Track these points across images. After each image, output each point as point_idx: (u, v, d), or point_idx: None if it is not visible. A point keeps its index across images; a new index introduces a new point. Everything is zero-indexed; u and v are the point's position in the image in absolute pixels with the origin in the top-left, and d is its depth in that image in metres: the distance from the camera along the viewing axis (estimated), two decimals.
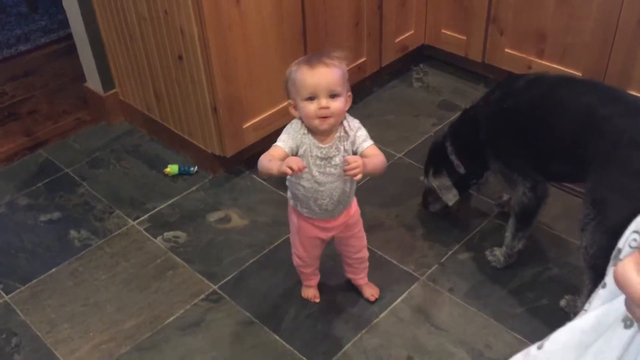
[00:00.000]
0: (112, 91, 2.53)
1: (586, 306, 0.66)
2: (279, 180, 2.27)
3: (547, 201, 1.77)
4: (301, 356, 1.67)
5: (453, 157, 1.90)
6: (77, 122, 2.62)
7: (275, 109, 2.27)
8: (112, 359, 1.69)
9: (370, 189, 2.16)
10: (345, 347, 1.69)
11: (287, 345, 1.70)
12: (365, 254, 1.77)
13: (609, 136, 1.53)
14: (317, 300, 1.82)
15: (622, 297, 0.58)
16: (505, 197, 2.06)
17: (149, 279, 1.92)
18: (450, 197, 1.94)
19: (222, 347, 1.71)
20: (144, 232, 2.09)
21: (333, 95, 1.41)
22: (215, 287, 1.88)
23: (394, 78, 2.77)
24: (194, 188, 2.26)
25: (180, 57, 2.09)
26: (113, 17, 2.28)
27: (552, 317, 1.74)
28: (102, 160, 2.41)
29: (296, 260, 1.75)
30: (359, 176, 1.39)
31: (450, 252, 1.95)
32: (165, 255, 2.00)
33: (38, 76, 2.93)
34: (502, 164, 1.78)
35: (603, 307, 0.61)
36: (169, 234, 2.07)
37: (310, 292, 1.83)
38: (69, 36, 3.20)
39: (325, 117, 1.41)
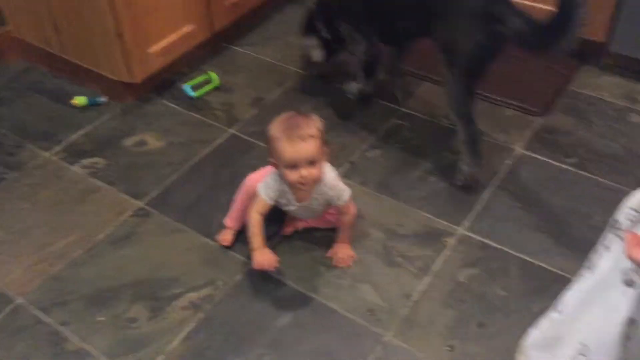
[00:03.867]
0: (5, 29, 2.44)
1: (587, 264, 0.71)
2: (191, 103, 2.33)
3: (383, 57, 2.19)
4: (234, 253, 1.80)
5: (319, 23, 2.19)
6: None
7: (179, 34, 2.31)
8: (48, 277, 1.73)
9: (281, 105, 2.29)
10: (274, 241, 1.82)
11: (219, 246, 1.81)
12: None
13: None
14: (225, 244, 1.80)
15: (623, 261, 0.64)
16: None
17: (73, 203, 1.95)
18: (316, 54, 2.27)
19: (157, 253, 1.80)
20: (61, 161, 2.09)
21: (311, 162, 1.55)
22: (141, 203, 1.95)
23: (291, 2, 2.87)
24: (105, 117, 2.27)
25: None
26: None
27: (452, 195, 1.96)
28: (2, 99, 2.34)
29: (242, 185, 1.80)
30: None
31: (359, 152, 2.12)
32: (86, 181, 2.02)
33: None
34: (349, 26, 2.12)
35: (604, 269, 0.68)
36: (86, 161, 2.09)
37: (223, 234, 1.82)
38: None
39: (305, 183, 1.57)
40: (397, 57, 2.34)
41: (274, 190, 1.65)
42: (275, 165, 1.61)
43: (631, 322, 0.67)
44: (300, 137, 1.53)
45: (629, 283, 0.64)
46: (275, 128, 1.58)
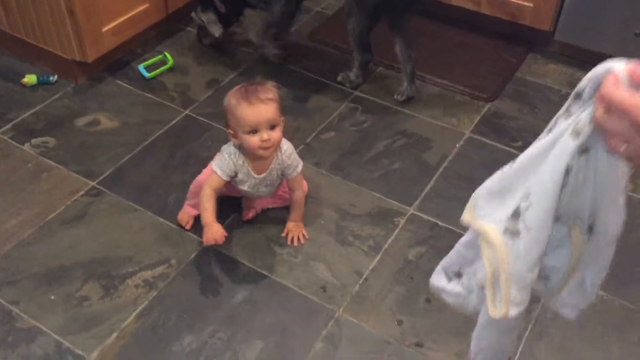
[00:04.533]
0: None
1: (546, 129, 0.75)
2: (145, 84, 2.32)
3: (297, 17, 2.39)
4: (188, 232, 1.81)
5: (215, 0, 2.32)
6: None
7: (133, 13, 2.29)
8: None
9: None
10: (229, 220, 1.84)
11: (173, 225, 1.82)
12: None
13: None
14: (187, 227, 1.80)
15: (579, 116, 0.67)
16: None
17: (23, 183, 1.92)
18: (216, 29, 2.37)
19: (109, 233, 1.79)
20: (9, 140, 2.05)
21: (272, 126, 1.57)
22: (93, 183, 1.93)
23: None
24: (56, 96, 2.23)
25: None
26: None
27: (404, 176, 2.01)
28: None
29: (194, 186, 1.79)
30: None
31: (313, 134, 2.16)
32: (36, 160, 1.99)
33: None
34: None
35: (561, 128, 0.70)
36: (36, 140, 2.06)
37: (185, 217, 1.82)
38: None
39: (267, 147, 1.58)
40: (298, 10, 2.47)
41: (230, 165, 1.65)
42: (234, 136, 1.62)
43: (568, 170, 0.71)
44: (260, 100, 1.55)
45: (576, 133, 0.68)
46: (233, 96, 1.59)
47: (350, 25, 2.18)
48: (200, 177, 1.78)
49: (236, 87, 1.62)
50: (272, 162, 1.67)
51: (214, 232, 1.63)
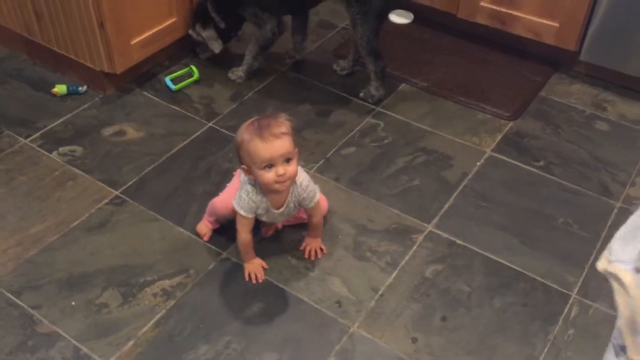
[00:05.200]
0: None
1: None
2: (171, 96, 2.36)
3: (282, 35, 2.40)
4: (207, 243, 1.83)
5: (214, 15, 2.36)
6: None
7: (161, 26, 2.34)
8: (22, 261, 1.75)
9: (261, 101, 2.33)
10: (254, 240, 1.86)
11: (193, 236, 1.85)
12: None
13: None
14: (205, 239, 1.84)
15: None
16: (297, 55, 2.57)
17: (49, 190, 1.97)
18: (216, 45, 2.42)
19: (130, 241, 1.83)
20: (38, 148, 2.11)
21: (287, 160, 1.55)
22: (117, 192, 1.97)
23: None
24: (85, 106, 2.29)
25: None
26: None
27: (423, 193, 2.02)
28: None
29: (211, 206, 1.82)
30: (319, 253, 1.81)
31: (334, 149, 2.17)
32: (63, 168, 2.04)
33: None
34: (255, 7, 2.28)
35: None
36: (64, 149, 2.11)
37: (204, 229, 1.85)
38: None
39: (283, 182, 1.56)
40: (302, 25, 2.49)
41: (250, 204, 1.64)
42: (248, 172, 1.60)
43: None
44: (274, 135, 1.52)
45: None
46: (246, 132, 1.56)
47: (358, 34, 2.20)
48: (216, 200, 1.80)
49: (248, 122, 1.58)
50: (288, 195, 1.67)
51: (254, 270, 1.72)
